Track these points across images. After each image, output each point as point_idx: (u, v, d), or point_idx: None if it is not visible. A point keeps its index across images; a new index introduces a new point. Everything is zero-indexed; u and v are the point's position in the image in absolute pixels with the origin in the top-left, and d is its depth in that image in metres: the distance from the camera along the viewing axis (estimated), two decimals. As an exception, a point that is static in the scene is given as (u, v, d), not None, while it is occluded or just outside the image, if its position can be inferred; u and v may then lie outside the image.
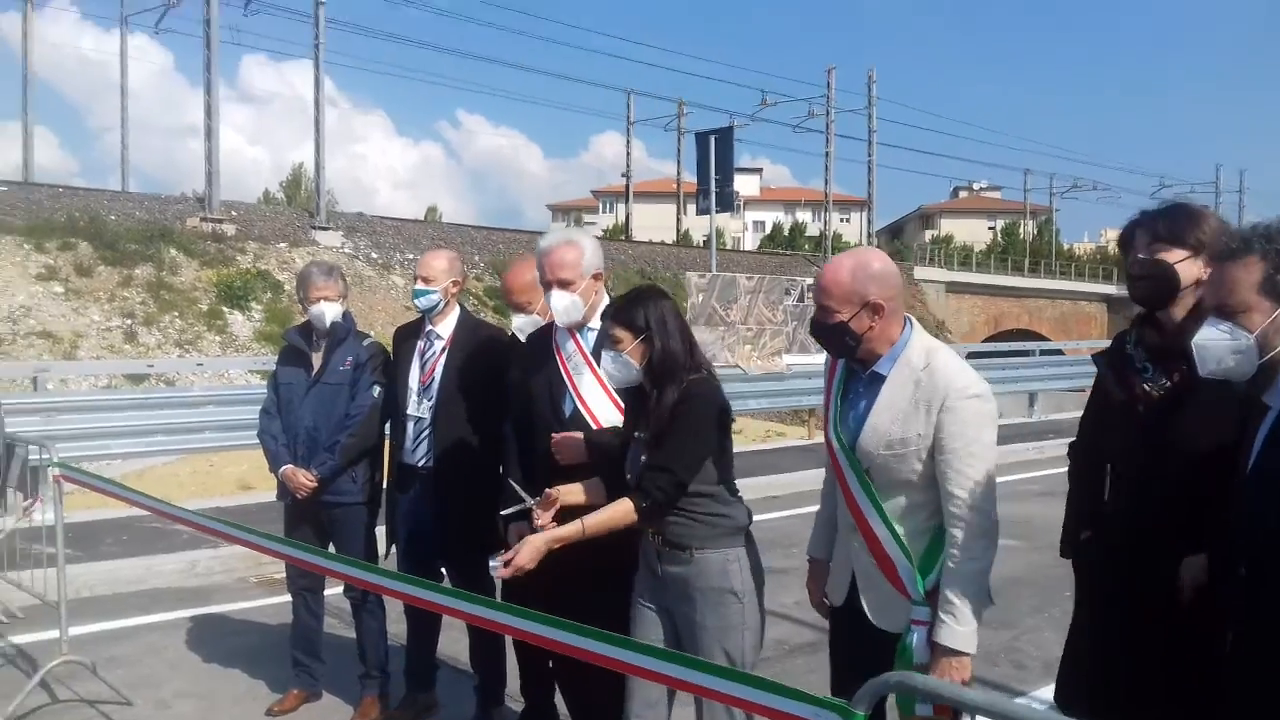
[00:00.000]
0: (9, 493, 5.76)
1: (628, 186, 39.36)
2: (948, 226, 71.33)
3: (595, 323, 3.53)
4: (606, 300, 3.57)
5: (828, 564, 3.02)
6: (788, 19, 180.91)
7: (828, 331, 2.78)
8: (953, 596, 2.61)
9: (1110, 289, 48.68)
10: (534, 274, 3.79)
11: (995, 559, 2.67)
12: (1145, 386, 2.59)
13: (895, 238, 71.69)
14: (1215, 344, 2.13)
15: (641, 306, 3.04)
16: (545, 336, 3.66)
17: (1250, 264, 2.09)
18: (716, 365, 3.10)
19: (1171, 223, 2.64)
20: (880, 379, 2.76)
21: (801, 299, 14.32)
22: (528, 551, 2.95)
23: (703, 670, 2.30)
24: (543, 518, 3.09)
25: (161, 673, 5.23)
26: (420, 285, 4.31)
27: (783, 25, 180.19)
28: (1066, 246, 69.21)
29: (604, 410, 3.45)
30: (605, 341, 3.13)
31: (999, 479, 2.72)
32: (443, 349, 4.34)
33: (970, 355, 18.91)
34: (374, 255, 23.80)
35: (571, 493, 3.16)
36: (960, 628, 2.59)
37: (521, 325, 4.07)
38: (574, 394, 3.48)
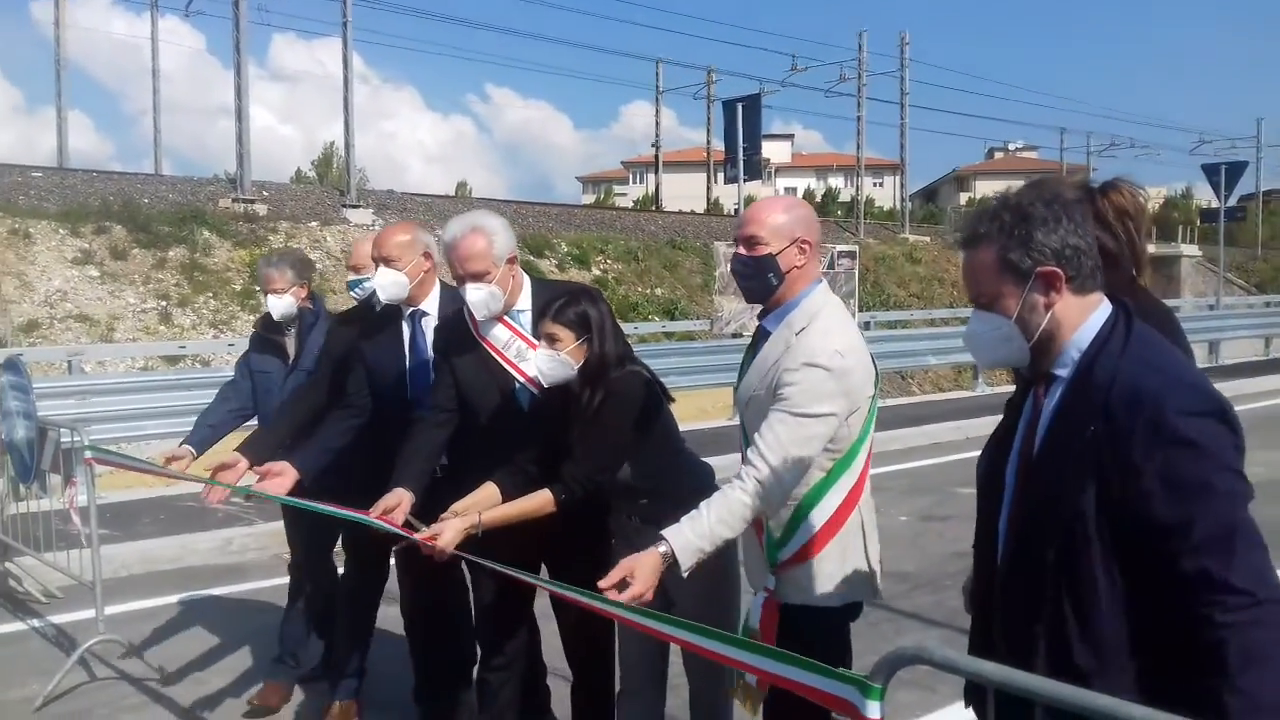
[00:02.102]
0: (47, 476, 5.83)
1: (657, 156, 39.04)
2: (983, 188, 70.30)
3: (523, 304, 3.49)
4: (528, 281, 3.53)
5: None
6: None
7: (752, 265, 2.75)
8: (704, 508, 2.57)
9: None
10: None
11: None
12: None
13: (929, 201, 70.86)
14: (981, 336, 2.01)
15: (583, 307, 3.11)
16: (459, 320, 3.52)
17: (985, 249, 1.95)
18: (746, 334, 3.07)
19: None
20: (767, 335, 2.78)
21: (832, 265, 14.16)
22: (450, 534, 3.01)
23: (730, 644, 2.29)
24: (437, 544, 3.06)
25: (196, 649, 5.30)
26: (352, 276, 4.29)
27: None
28: (1104, 206, 67.85)
29: None
30: (542, 339, 3.11)
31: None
32: None
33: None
34: (405, 232, 23.64)
35: (477, 503, 3.15)
36: (689, 534, 2.54)
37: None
38: (528, 384, 3.39)
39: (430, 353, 3.74)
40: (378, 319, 3.95)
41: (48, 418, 5.84)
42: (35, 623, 5.80)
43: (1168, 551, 1.76)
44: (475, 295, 3.34)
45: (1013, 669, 1.66)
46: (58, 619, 5.77)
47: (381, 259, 3.71)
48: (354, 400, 3.90)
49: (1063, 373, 1.94)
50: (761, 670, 2.17)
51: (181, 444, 4.40)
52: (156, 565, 6.83)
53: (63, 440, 5.55)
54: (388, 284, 3.70)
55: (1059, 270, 1.90)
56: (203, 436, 4.47)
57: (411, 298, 3.77)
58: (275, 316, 4.53)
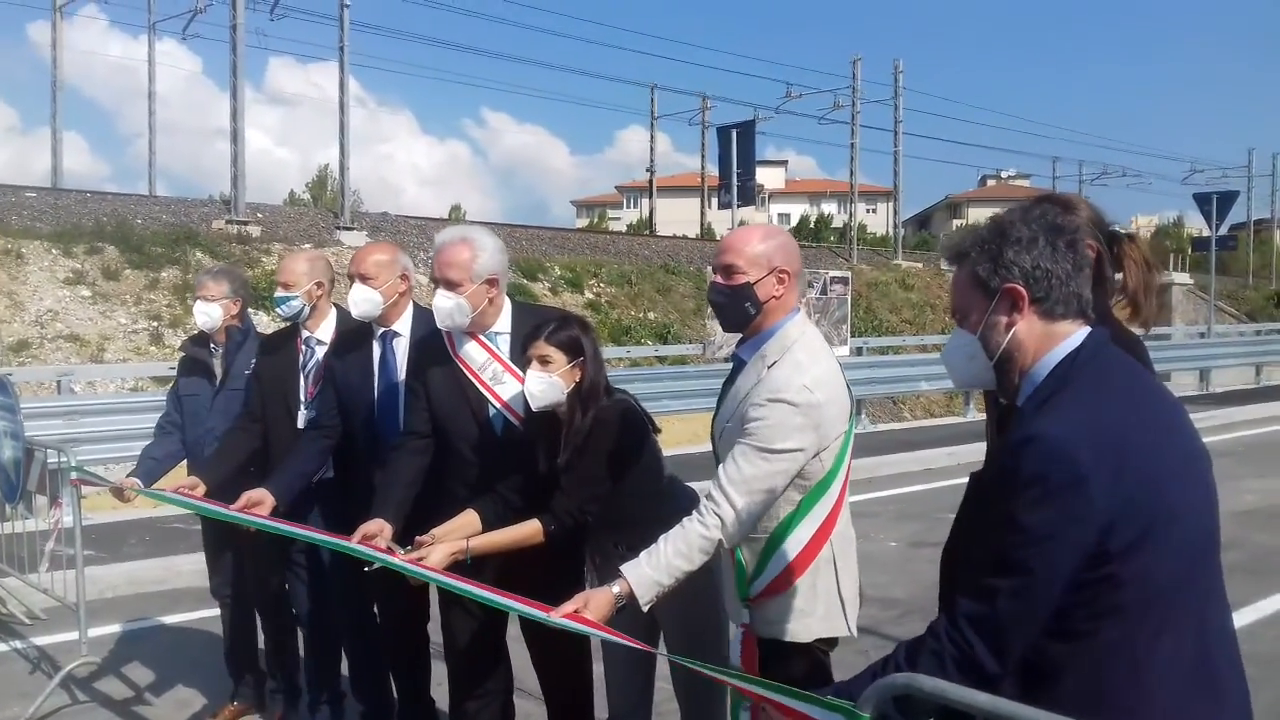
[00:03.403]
0: (33, 497, 5.79)
1: (651, 181, 39.11)
2: (975, 216, 70.59)
3: (501, 327, 3.44)
4: (508, 305, 3.49)
5: None
6: (812, 10, 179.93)
7: (729, 295, 2.73)
8: (661, 542, 2.58)
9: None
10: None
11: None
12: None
13: (922, 227, 71.22)
14: (951, 352, 2.00)
15: (576, 331, 3.11)
16: (435, 339, 3.48)
17: (964, 264, 1.94)
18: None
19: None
20: (742, 365, 2.77)
21: (825, 291, 14.21)
22: (438, 556, 2.99)
23: (724, 674, 2.38)
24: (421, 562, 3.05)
25: (180, 673, 5.23)
26: (281, 292, 4.13)
27: (807, 17, 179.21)
28: (1096, 234, 68.26)
29: None
30: (532, 360, 3.07)
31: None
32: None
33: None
34: (399, 254, 23.56)
35: (458, 529, 3.14)
36: (645, 569, 2.54)
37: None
38: (502, 408, 3.36)
39: (400, 373, 3.73)
40: (349, 338, 3.93)
41: (35, 438, 5.80)
42: (18, 644, 5.74)
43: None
44: (441, 303, 3.30)
45: (1002, 699, 1.64)
46: (41, 641, 5.72)
47: (358, 276, 3.72)
48: (324, 421, 3.89)
49: (1020, 404, 1.89)
50: (756, 695, 2.18)
51: (128, 475, 4.37)
52: (142, 587, 6.77)
53: (49, 461, 5.51)
54: (361, 300, 3.70)
55: (1023, 289, 1.85)
56: (148, 469, 4.43)
57: (384, 317, 3.77)
58: (199, 323, 4.43)
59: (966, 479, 2.14)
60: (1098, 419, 1.74)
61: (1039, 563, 1.69)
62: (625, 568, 2.57)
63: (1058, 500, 1.68)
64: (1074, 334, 1.87)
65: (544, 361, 3.06)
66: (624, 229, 46.33)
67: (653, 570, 2.54)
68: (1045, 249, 1.85)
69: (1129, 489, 1.69)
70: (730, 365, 2.95)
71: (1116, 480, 1.68)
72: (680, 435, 10.23)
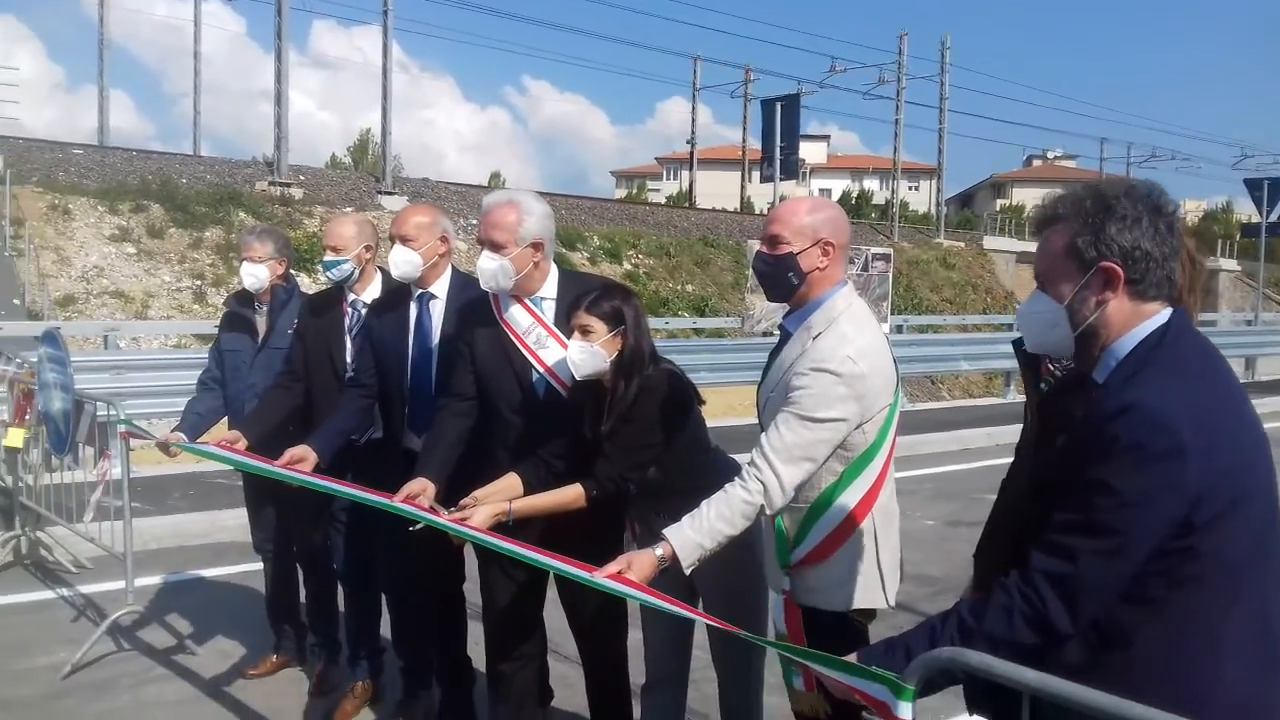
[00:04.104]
0: (80, 448, 5.90)
1: (692, 153, 38.91)
2: (1020, 196, 69.72)
3: (547, 292, 3.44)
4: (555, 272, 3.48)
5: None
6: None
7: (773, 265, 2.73)
8: (704, 506, 2.59)
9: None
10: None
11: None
12: (1050, 365, 2.37)
13: (965, 206, 70.47)
14: (1031, 316, 1.98)
15: (617, 301, 3.12)
16: (481, 302, 3.48)
17: (1059, 230, 1.91)
18: (777, 333, 3.03)
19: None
20: (789, 336, 2.77)
21: (866, 268, 14.09)
22: (481, 516, 3.02)
23: (764, 643, 2.48)
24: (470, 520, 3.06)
25: (222, 624, 5.34)
26: (330, 256, 4.15)
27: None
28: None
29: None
30: (575, 330, 3.10)
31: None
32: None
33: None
34: (438, 220, 23.62)
35: (500, 492, 3.15)
36: (688, 531, 2.56)
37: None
38: (545, 372, 3.36)
39: (434, 336, 3.76)
40: (388, 298, 3.96)
41: (84, 391, 5.90)
42: (65, 592, 5.87)
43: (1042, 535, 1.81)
44: (485, 264, 3.31)
45: (1049, 676, 1.64)
46: (87, 589, 5.84)
47: (399, 237, 3.75)
48: (363, 379, 3.92)
49: (1099, 379, 1.89)
50: (802, 665, 2.20)
51: (174, 430, 4.42)
52: (185, 540, 6.90)
53: (98, 414, 5.61)
54: (401, 262, 3.73)
55: (1120, 269, 1.84)
56: (192, 424, 4.48)
57: (422, 279, 3.79)
58: (246, 285, 4.50)
59: (1004, 460, 2.13)
60: (1193, 395, 1.75)
61: (1128, 526, 1.71)
62: (668, 531, 2.59)
63: (1156, 467, 1.70)
64: (1159, 313, 1.87)
65: (585, 331, 3.08)
66: (663, 201, 46.22)
67: (695, 533, 2.56)
68: (1148, 229, 1.84)
69: (1218, 466, 1.71)
70: (771, 339, 2.94)
71: (1209, 456, 1.70)
72: (717, 408, 10.23)
